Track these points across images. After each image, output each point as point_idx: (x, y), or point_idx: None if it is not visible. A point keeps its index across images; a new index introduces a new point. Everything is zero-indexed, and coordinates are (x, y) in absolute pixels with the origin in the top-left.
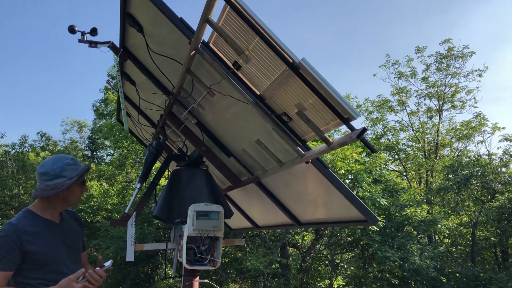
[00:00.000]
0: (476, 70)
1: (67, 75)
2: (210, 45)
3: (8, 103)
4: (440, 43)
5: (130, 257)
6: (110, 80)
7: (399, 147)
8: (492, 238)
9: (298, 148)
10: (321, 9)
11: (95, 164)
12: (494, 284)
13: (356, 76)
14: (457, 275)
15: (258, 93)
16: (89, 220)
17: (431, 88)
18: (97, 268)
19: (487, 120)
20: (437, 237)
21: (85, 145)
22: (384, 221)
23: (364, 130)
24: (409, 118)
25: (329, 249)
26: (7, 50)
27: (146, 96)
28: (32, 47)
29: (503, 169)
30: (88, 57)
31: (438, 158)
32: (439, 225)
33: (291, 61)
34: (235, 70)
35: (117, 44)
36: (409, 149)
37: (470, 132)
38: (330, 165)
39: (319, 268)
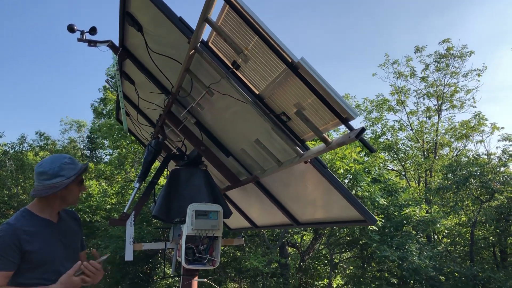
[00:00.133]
0: (475, 70)
1: (67, 75)
2: (209, 44)
3: (7, 103)
4: (439, 43)
5: (129, 256)
6: (109, 79)
7: (398, 146)
8: (491, 238)
9: (297, 147)
10: (321, 8)
11: (94, 164)
12: (492, 283)
13: (356, 74)
14: (456, 274)
15: (257, 92)
16: (88, 220)
17: (430, 87)
18: (91, 261)
19: (486, 120)
20: (436, 237)
21: (84, 144)
22: (383, 220)
23: (362, 130)
24: (408, 117)
25: (328, 248)
26: (7, 50)
27: (145, 95)
28: (31, 47)
29: (502, 169)
30: (88, 57)
31: (437, 157)
32: (438, 225)
33: (290, 60)
34: (234, 69)
35: (117, 43)
36: (408, 148)
37: (469, 131)
38: (329, 165)
39: (318, 267)
